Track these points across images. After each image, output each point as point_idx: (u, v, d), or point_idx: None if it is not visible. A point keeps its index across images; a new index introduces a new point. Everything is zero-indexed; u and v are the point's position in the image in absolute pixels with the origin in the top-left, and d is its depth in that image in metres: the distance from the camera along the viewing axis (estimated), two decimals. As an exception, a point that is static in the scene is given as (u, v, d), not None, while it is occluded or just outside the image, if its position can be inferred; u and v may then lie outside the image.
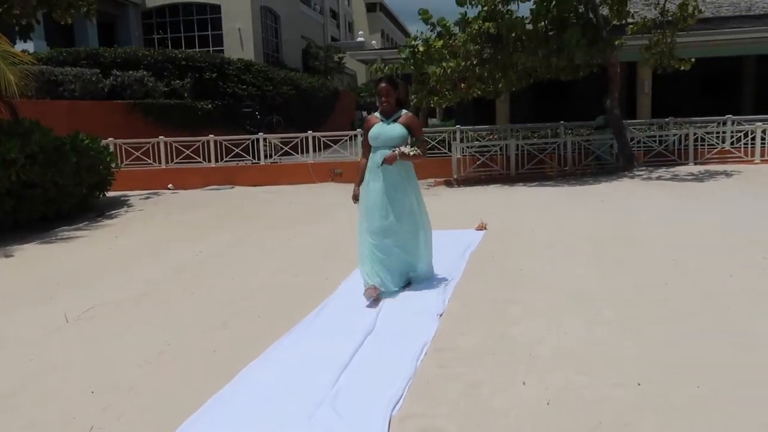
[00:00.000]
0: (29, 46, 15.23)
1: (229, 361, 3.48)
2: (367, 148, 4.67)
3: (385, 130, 4.50)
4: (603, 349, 3.42)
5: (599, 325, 3.80)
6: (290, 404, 2.93)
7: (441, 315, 4.16)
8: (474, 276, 5.12)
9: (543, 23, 11.55)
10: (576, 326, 3.80)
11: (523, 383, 3.04)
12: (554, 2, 11.34)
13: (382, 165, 4.44)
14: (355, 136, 14.34)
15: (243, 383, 3.21)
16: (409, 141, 4.46)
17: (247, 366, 3.40)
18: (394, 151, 4.40)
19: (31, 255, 7.23)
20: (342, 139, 14.46)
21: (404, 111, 4.58)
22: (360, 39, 36.11)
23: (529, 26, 11.61)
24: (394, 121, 4.52)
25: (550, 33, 11.56)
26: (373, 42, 38.19)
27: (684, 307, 4.04)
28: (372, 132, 4.55)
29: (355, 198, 4.67)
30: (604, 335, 3.63)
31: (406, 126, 4.51)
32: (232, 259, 6.47)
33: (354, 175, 4.84)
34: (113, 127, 14.14)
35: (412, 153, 4.39)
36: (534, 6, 11.65)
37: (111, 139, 12.89)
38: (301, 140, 14.20)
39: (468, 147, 13.28)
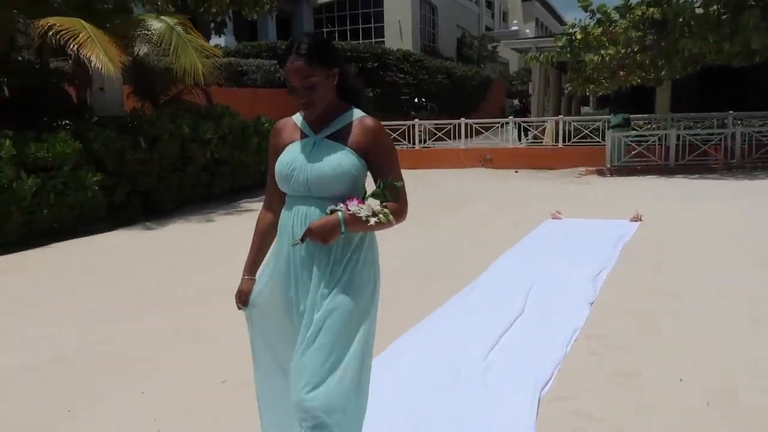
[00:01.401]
0: (221, 40, 17.42)
1: (386, 329, 3.75)
2: (275, 194, 1.95)
3: (305, 162, 1.80)
4: (769, 356, 3.19)
5: (766, 330, 3.54)
6: (443, 373, 3.05)
7: (592, 303, 4.07)
8: (628, 267, 5.01)
9: (715, 6, 10.96)
10: (739, 328, 3.58)
11: (681, 380, 2.91)
12: (730, -17, 10.72)
13: (302, 242, 1.78)
14: (507, 123, 14.65)
15: (401, 349, 3.39)
16: (363, 185, 1.82)
17: (405, 333, 3.58)
18: (332, 211, 1.75)
19: (222, 221, 8.41)
20: (493, 126, 14.84)
21: (357, 113, 1.84)
22: (514, 28, 35.78)
23: (699, 10, 11.08)
24: (332, 137, 1.82)
25: (723, 17, 10.93)
26: (527, 30, 37.52)
27: None
28: (281, 162, 1.85)
29: (242, 298, 2.00)
30: (771, 341, 3.37)
31: (359, 150, 1.80)
32: (386, 234, 7.06)
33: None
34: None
35: (376, 219, 1.75)
36: (706, -12, 11.11)
37: (285, 122, 14.43)
38: (453, 126, 14.78)
39: (625, 136, 12.99)
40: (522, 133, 15.38)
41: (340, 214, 1.74)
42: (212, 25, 14.55)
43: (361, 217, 1.74)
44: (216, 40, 15.97)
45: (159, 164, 8.67)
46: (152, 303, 4.56)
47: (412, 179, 12.00)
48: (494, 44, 30.26)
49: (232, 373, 3.12)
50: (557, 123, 14.02)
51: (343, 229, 1.74)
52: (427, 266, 5.41)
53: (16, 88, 8.30)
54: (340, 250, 1.81)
